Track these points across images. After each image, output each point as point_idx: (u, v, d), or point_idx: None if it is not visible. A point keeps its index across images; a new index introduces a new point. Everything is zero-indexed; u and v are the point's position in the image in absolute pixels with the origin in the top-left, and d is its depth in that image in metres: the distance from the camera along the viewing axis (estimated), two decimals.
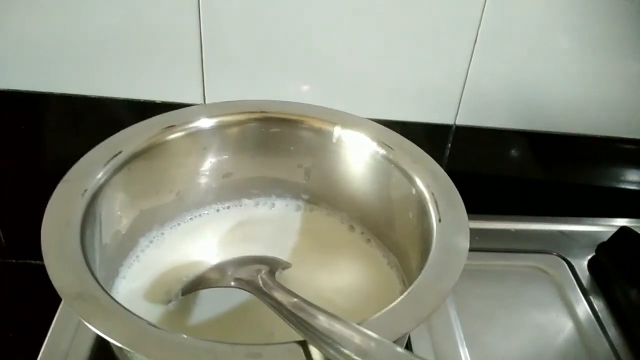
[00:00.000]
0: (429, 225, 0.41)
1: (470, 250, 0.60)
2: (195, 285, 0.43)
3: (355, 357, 0.30)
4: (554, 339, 0.53)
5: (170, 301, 0.43)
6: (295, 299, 0.35)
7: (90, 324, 0.31)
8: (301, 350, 0.31)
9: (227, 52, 0.58)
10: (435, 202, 0.42)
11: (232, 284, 0.41)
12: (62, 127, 0.62)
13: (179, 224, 0.50)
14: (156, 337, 0.31)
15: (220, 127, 0.49)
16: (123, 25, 0.56)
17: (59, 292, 0.33)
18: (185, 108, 0.49)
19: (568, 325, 0.54)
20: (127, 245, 0.46)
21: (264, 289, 0.38)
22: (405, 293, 0.35)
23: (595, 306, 0.56)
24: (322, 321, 0.32)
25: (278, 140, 0.50)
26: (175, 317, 0.43)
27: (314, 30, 0.57)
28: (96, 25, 0.56)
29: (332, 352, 0.30)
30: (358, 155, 0.49)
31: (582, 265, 0.60)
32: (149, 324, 0.32)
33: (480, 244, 0.62)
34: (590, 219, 0.66)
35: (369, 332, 0.31)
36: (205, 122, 0.48)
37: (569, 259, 0.61)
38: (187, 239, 0.49)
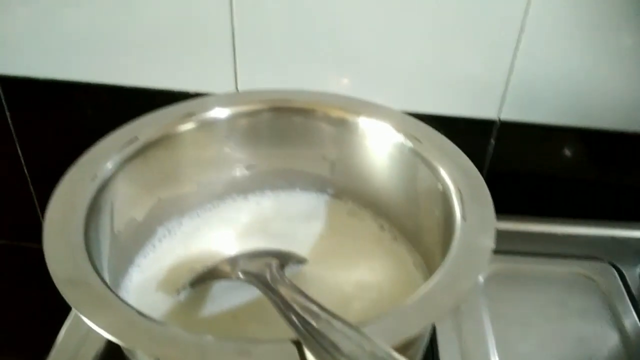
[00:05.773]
0: (453, 223, 0.38)
1: (513, 253, 0.58)
2: (204, 277, 0.41)
3: None
4: (597, 353, 0.49)
5: (179, 292, 0.42)
6: (299, 296, 0.34)
7: (77, 310, 0.30)
8: (294, 350, 0.29)
9: (260, 42, 0.56)
10: (461, 198, 0.39)
11: (240, 276, 0.39)
12: (94, 115, 0.62)
13: (198, 214, 0.49)
14: (144, 329, 0.30)
15: (242, 117, 0.47)
16: (155, 16, 0.55)
17: (52, 276, 0.32)
18: (205, 97, 0.48)
19: (614, 338, 0.50)
20: (143, 233, 0.45)
21: (271, 283, 0.36)
22: (415, 294, 0.32)
23: None
24: (321, 322, 0.30)
25: (302, 131, 0.48)
26: (188, 309, 0.42)
27: (351, 20, 0.54)
28: (130, 18, 0.56)
29: (325, 355, 0.28)
30: (384, 148, 0.46)
31: (634, 273, 0.56)
32: (139, 314, 0.31)
33: (524, 246, 0.58)
34: None
35: (369, 337, 0.29)
36: (226, 111, 0.46)
37: (619, 266, 0.56)
38: (206, 229, 0.48)
